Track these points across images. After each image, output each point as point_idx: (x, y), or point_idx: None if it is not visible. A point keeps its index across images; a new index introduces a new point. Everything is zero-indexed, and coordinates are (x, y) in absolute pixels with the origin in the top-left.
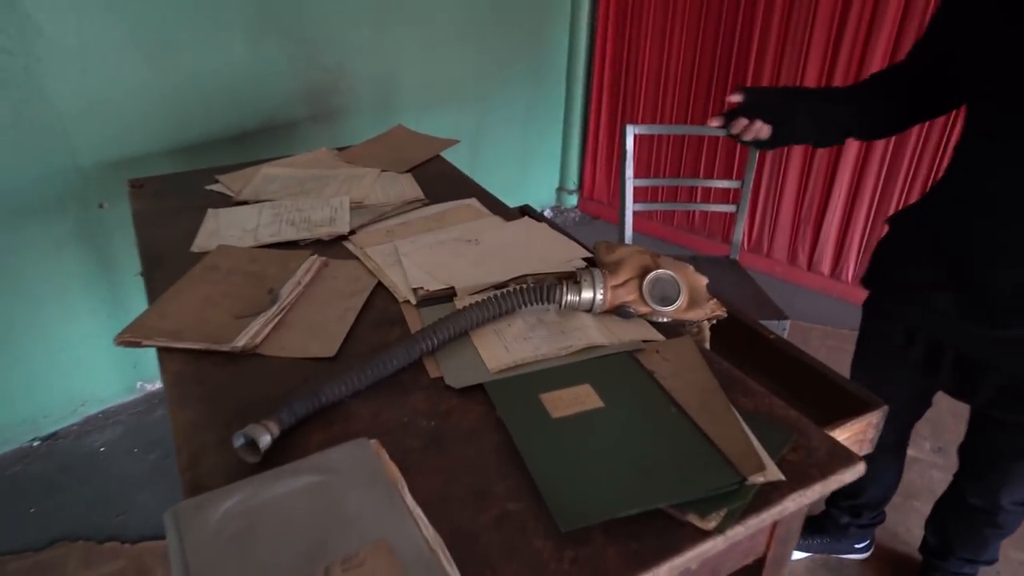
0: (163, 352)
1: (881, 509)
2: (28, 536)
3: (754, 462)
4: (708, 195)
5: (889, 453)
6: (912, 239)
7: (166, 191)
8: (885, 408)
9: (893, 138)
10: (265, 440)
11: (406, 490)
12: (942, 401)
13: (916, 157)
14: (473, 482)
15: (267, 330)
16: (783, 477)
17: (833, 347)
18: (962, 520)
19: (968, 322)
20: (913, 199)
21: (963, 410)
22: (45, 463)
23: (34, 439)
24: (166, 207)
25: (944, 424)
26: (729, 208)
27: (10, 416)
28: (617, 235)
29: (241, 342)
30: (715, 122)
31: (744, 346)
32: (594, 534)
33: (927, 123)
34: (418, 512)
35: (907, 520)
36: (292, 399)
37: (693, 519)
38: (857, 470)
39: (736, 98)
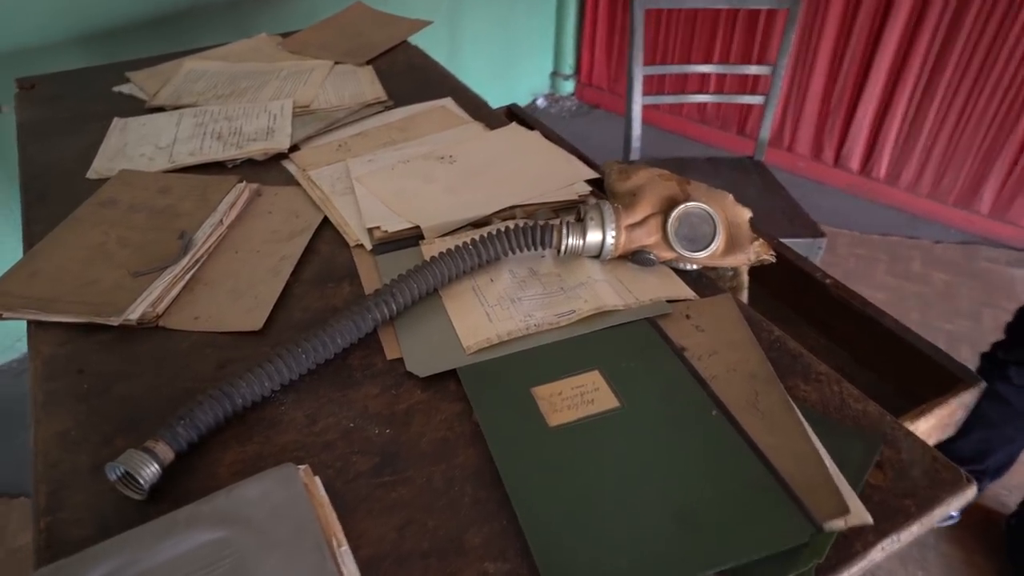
0: (33, 328)
1: (1001, 476)
2: None
3: (833, 500)
4: (723, 84)
5: None
6: None
7: (66, 94)
8: (983, 385)
9: (944, 25)
10: (150, 472)
11: (345, 549)
12: None
13: (971, 46)
14: (440, 527)
15: (174, 292)
16: (871, 520)
17: (863, 257)
18: None
19: None
20: (963, 92)
21: None
22: None
23: None
24: (62, 116)
25: None
26: (755, 99)
27: None
28: (623, 131)
29: (136, 313)
30: None
31: (785, 287)
32: None
33: (984, 17)
34: None
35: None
36: (194, 405)
37: None
38: (967, 496)
39: None
